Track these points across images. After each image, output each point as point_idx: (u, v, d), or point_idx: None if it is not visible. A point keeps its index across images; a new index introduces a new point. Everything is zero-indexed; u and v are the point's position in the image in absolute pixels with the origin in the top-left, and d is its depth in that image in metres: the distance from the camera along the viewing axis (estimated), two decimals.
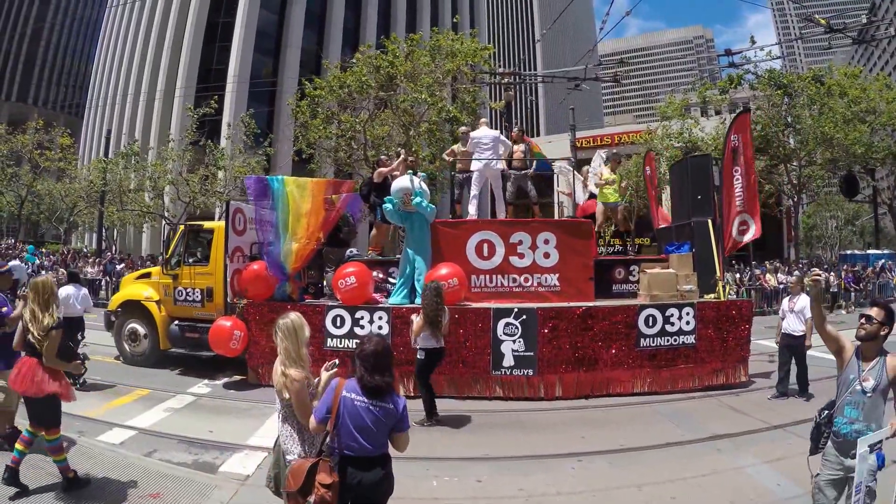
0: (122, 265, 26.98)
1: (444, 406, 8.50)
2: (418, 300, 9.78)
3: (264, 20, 47.79)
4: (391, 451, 3.77)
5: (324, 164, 31.01)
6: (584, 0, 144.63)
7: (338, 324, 9.79)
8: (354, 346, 9.34)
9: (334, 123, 27.49)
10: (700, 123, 32.34)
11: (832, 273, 27.10)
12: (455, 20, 39.56)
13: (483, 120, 12.40)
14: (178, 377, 10.70)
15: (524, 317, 9.36)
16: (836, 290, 25.40)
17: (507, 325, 9.36)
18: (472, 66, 26.54)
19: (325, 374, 3.92)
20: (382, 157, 13.32)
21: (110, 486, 5.67)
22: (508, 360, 9.34)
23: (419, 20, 58.29)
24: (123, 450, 6.78)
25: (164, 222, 34.37)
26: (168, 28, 49.85)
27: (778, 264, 29.24)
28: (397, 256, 11.11)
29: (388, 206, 10.15)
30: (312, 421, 3.73)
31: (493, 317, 9.38)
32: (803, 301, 9.37)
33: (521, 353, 9.32)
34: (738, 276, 26.17)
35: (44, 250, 32.31)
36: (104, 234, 38.04)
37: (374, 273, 10.63)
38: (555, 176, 14.05)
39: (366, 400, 3.58)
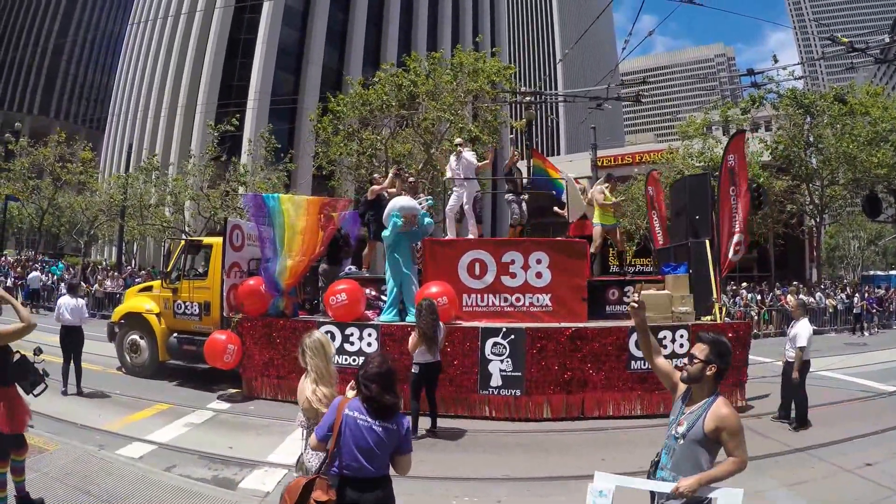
0: (141, 279, 27.38)
1: (450, 424, 8.55)
2: (408, 318, 9.84)
3: (286, 37, 48.39)
4: (402, 470, 3.73)
5: (344, 182, 31.20)
6: (604, 18, 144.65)
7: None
8: (344, 363, 9.55)
9: (355, 140, 27.62)
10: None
11: (856, 294, 26.48)
12: (478, 40, 39.74)
13: (458, 140, 12.48)
14: (197, 392, 10.73)
15: (512, 336, 9.28)
16: (858, 311, 24.79)
17: (495, 344, 9.30)
18: (493, 84, 26.57)
19: (350, 394, 3.85)
20: (376, 175, 13.43)
21: (130, 500, 5.68)
22: (496, 380, 9.26)
23: (440, 39, 58.75)
24: (143, 464, 6.80)
25: (183, 236, 34.77)
26: (190, 43, 50.60)
27: (786, 286, 28.66)
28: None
29: (398, 220, 10.12)
30: (313, 438, 3.69)
31: (481, 336, 9.33)
32: (797, 328, 9.21)
33: (509, 373, 9.24)
34: (759, 297, 25.74)
35: (63, 263, 32.82)
36: (124, 247, 38.56)
37: (367, 290, 10.68)
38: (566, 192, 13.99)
39: (369, 420, 3.52)
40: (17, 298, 6.02)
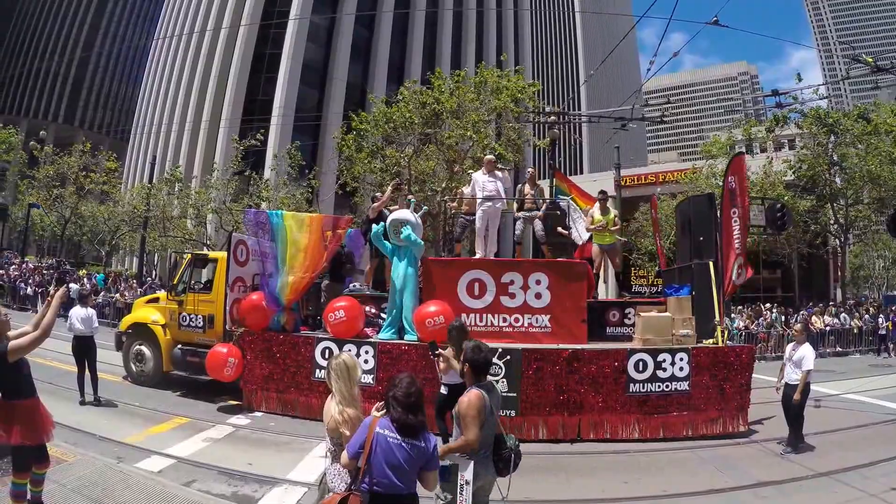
0: (163, 290, 27.62)
1: None
2: (407, 336, 9.86)
3: (311, 53, 48.94)
4: (429, 485, 3.88)
5: (367, 198, 31.25)
6: (628, 36, 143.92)
7: (326, 355, 9.86)
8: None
9: (379, 158, 27.71)
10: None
11: (881, 315, 25.79)
12: (502, 58, 39.89)
13: (488, 157, 12.43)
14: (217, 407, 10.73)
15: (508, 357, 9.22)
16: (884, 332, 24.17)
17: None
18: (516, 101, 26.51)
19: (377, 414, 3.94)
20: (377, 193, 13.47)
21: None
22: None
23: (464, 57, 59.00)
24: (162, 478, 6.80)
25: (206, 249, 35.05)
26: (215, 58, 51.39)
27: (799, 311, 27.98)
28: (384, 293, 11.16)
29: (378, 228, 10.23)
30: (344, 455, 3.80)
31: None
32: (803, 351, 8.91)
33: (504, 394, 9.13)
34: (783, 318, 25.23)
35: (83, 272, 33.38)
36: (145, 258, 39.06)
37: (367, 308, 10.73)
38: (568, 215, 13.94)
39: (398, 437, 3.66)
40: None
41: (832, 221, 31.17)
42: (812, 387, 12.50)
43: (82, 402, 10.00)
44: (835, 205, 30.47)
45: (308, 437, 8.58)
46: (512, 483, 7.24)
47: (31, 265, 31.84)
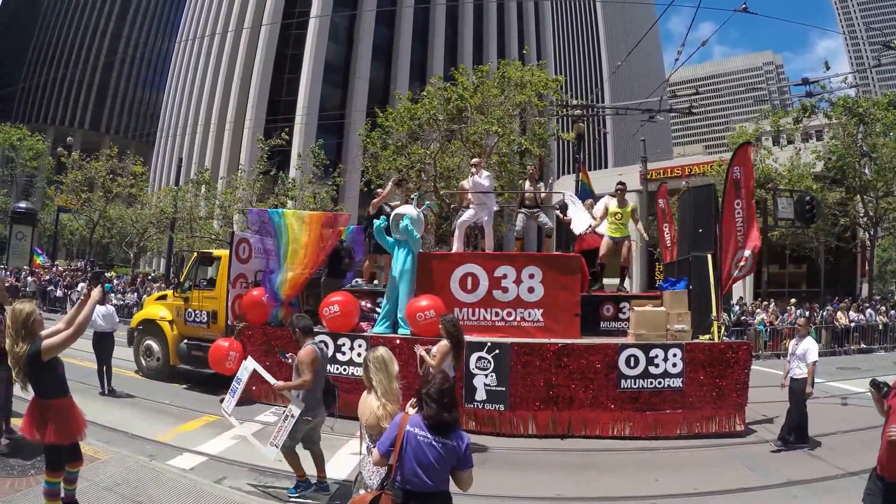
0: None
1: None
2: (401, 330, 9.92)
3: (333, 53, 49.30)
4: (464, 485, 3.79)
5: (392, 196, 31.11)
6: (651, 30, 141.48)
7: (322, 349, 9.99)
8: (336, 372, 9.66)
9: (404, 155, 27.69)
10: (773, 154, 30.88)
11: None
12: (525, 51, 39.72)
13: (474, 161, 12.49)
14: (219, 398, 10.74)
15: (497, 351, 9.24)
16: None
17: (480, 358, 9.26)
18: (540, 95, 26.26)
19: (411, 411, 3.91)
20: (379, 189, 13.56)
21: None
22: (480, 394, 9.23)
23: (486, 54, 58.78)
24: (194, 475, 6.85)
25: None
26: (238, 60, 52.01)
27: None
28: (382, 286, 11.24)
29: (381, 223, 10.28)
30: (375, 453, 3.81)
31: (466, 350, 9.26)
32: (805, 344, 8.86)
33: (493, 388, 9.19)
34: (806, 313, 24.69)
35: (113, 274, 34.04)
36: (173, 259, 39.73)
37: (363, 303, 10.81)
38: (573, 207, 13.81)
39: (429, 436, 3.61)
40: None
41: (861, 214, 30.30)
42: (837, 384, 12.29)
43: (102, 393, 10.60)
44: (864, 197, 29.59)
45: (337, 434, 8.58)
46: (544, 481, 7.47)
47: (59, 268, 32.62)
